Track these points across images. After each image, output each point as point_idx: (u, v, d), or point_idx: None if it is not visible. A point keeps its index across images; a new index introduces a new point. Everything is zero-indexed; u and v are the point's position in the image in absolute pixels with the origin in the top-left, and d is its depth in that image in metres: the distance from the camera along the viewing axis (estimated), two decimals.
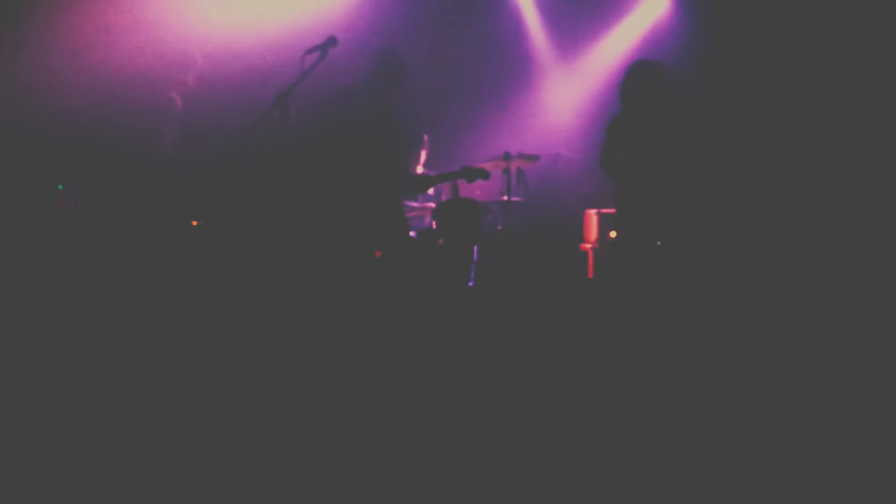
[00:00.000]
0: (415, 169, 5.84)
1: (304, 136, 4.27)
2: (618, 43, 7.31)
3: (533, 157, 5.74)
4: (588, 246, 6.41)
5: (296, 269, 4.47)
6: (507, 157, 5.58)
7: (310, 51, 3.82)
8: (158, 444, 2.83)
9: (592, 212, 6.46)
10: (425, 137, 5.90)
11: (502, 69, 7.39)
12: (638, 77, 4.67)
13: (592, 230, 6.44)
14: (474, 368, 3.99)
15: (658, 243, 4.64)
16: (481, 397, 3.48)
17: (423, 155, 5.90)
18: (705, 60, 6.43)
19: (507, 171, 5.64)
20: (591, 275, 6.29)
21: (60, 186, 4.98)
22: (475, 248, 5.64)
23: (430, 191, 5.82)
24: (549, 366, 4.11)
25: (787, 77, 6.21)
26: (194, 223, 4.94)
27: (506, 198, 5.70)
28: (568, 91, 7.48)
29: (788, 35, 6.21)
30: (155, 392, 3.42)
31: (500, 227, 5.98)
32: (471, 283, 5.63)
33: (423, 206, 5.95)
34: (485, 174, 4.62)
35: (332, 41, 3.82)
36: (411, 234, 5.00)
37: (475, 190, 6.24)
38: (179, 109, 4.94)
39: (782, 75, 6.23)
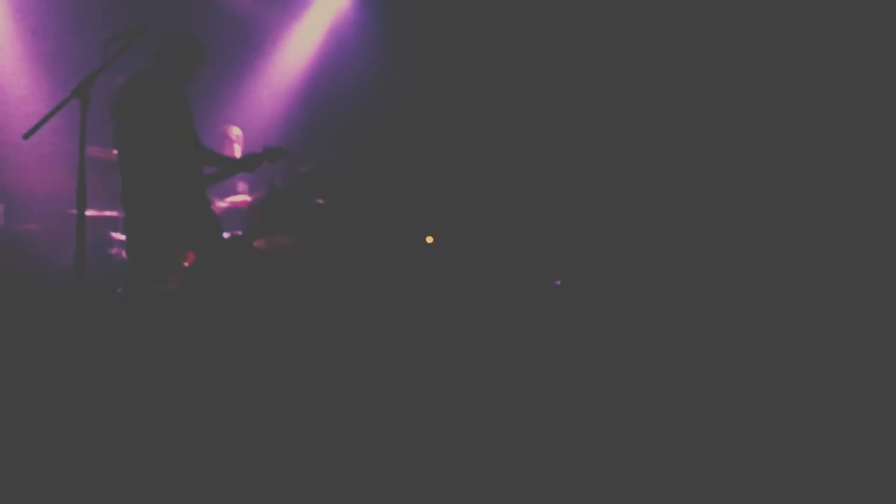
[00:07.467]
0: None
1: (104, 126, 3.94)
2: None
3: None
4: None
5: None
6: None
7: (113, 38, 3.32)
8: (151, 445, 2.88)
9: None
10: (233, 132, 5.48)
11: None
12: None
13: None
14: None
15: None
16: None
17: (238, 150, 5.43)
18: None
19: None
20: None
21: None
22: None
23: (243, 186, 5.53)
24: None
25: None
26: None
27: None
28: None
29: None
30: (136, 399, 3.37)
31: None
32: None
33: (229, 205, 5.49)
34: (284, 152, 4.36)
35: (140, 30, 3.33)
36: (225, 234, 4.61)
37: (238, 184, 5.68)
38: None
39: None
